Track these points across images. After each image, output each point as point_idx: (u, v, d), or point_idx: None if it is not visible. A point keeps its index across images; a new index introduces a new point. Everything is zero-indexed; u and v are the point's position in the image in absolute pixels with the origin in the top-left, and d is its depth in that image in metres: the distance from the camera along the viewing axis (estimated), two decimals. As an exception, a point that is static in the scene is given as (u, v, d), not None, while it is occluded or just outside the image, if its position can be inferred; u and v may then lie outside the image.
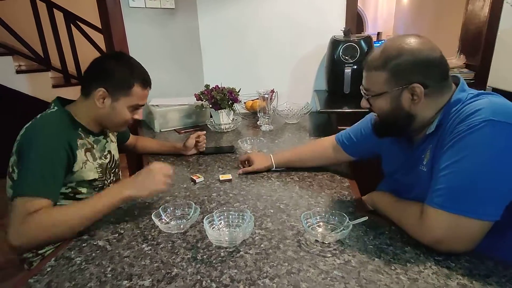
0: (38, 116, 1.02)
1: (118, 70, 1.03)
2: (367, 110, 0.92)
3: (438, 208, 0.72)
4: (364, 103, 0.89)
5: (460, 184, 0.71)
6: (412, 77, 0.78)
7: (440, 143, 0.78)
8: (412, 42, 0.79)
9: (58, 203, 1.01)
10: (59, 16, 3.31)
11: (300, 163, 1.23)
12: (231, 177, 1.18)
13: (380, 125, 0.90)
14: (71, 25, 3.39)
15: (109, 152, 1.17)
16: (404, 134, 0.90)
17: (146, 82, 1.08)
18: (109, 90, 1.02)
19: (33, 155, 0.91)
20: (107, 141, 1.17)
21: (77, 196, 1.05)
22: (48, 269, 0.75)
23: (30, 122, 1.00)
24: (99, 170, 1.10)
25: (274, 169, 1.22)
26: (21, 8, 3.35)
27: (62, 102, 1.07)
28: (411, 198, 0.87)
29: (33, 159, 0.90)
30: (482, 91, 0.81)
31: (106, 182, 1.15)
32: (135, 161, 1.92)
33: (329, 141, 1.19)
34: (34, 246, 0.88)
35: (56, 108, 1.04)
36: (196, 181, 1.16)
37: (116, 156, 1.25)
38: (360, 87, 0.89)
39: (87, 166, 1.05)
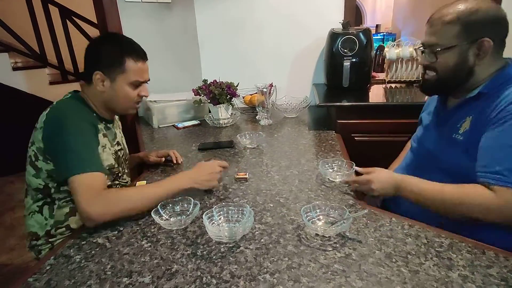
0: (55, 103, 1.02)
1: (107, 50, 1.03)
2: (425, 67, 0.93)
3: None
4: (425, 59, 0.92)
5: None
6: (483, 32, 0.83)
7: (485, 116, 0.82)
8: (480, 0, 0.84)
9: None
10: (54, 11, 3.28)
11: None
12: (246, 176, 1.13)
13: (437, 81, 0.92)
14: (67, 20, 3.36)
15: (118, 142, 1.18)
16: (455, 91, 0.93)
17: (137, 55, 1.05)
18: (104, 72, 1.02)
19: (68, 137, 0.93)
20: (115, 131, 1.18)
21: None
22: (48, 268, 0.75)
23: (49, 108, 1.00)
24: (114, 157, 1.11)
25: None
26: (16, 4, 3.31)
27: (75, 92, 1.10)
28: (441, 167, 0.89)
29: (71, 139, 0.93)
30: None
31: (121, 170, 1.16)
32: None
33: (409, 143, 1.22)
34: (108, 218, 0.87)
35: (70, 95, 1.07)
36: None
37: (126, 148, 1.27)
38: (416, 48, 0.92)
39: (106, 151, 1.07)
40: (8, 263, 1.98)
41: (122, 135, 1.28)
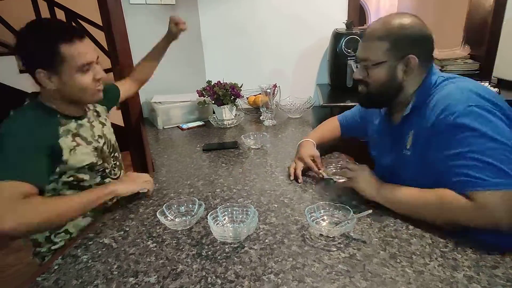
0: (11, 113, 0.95)
1: (36, 43, 0.91)
2: (358, 81, 0.96)
3: (489, 188, 0.72)
4: (358, 74, 0.94)
5: (487, 161, 0.73)
6: (410, 49, 0.86)
7: (422, 129, 0.85)
8: (410, 18, 0.88)
9: (62, 193, 0.99)
10: (60, 14, 3.32)
11: (328, 141, 1.31)
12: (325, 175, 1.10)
13: (368, 95, 0.95)
14: (73, 23, 3.39)
15: (100, 136, 1.10)
16: (387, 105, 0.98)
17: (70, 36, 0.92)
18: (45, 68, 0.92)
19: (6, 142, 0.87)
20: (92, 125, 1.09)
21: (81, 184, 1.02)
22: (56, 267, 0.76)
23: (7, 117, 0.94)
24: (95, 154, 1.05)
25: None
26: (22, 7, 3.36)
27: (35, 95, 1.02)
28: (399, 182, 0.89)
29: (7, 145, 0.86)
30: (450, 75, 0.90)
31: (107, 166, 1.10)
32: (139, 158, 1.93)
33: (336, 121, 1.34)
34: (20, 232, 0.80)
35: (27, 102, 1.00)
36: (139, 191, 1.03)
37: (113, 139, 1.19)
38: (351, 61, 0.95)
39: (79, 151, 1.00)
40: (16, 263, 2.01)
41: (108, 126, 1.20)
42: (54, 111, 1.00)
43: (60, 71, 0.93)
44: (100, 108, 1.21)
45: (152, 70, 1.50)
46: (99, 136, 1.10)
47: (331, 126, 1.33)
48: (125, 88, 1.41)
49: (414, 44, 0.86)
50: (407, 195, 0.86)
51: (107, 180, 1.10)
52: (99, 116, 1.18)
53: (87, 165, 1.02)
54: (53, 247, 1.05)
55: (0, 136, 0.88)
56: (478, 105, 0.77)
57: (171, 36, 1.43)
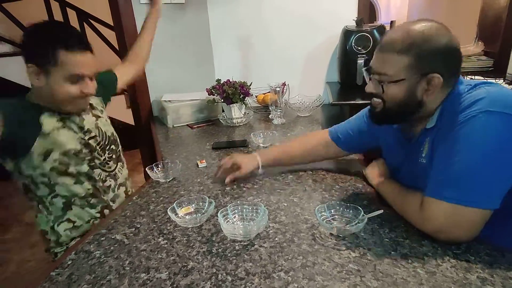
0: None
1: (38, 39, 0.91)
2: (371, 95, 0.85)
3: (437, 198, 0.73)
4: (372, 88, 0.83)
5: (457, 175, 0.71)
6: (434, 66, 0.75)
7: (440, 135, 0.78)
8: (434, 28, 0.75)
9: (52, 180, 1.00)
10: (72, 14, 3.37)
11: (288, 161, 1.16)
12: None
13: (383, 113, 0.84)
14: (84, 23, 3.44)
15: (89, 130, 1.08)
16: (404, 123, 0.89)
17: (72, 45, 0.91)
18: (38, 65, 0.91)
19: None
20: (82, 119, 1.07)
21: (69, 171, 1.02)
22: (69, 262, 0.78)
23: None
24: (82, 142, 1.04)
25: (260, 171, 1.13)
26: (35, 7, 3.42)
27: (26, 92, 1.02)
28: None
29: None
30: (478, 81, 0.80)
31: (98, 157, 1.09)
32: (149, 156, 1.95)
33: (321, 136, 1.14)
34: None
35: (16, 97, 0.99)
36: (199, 166, 1.25)
37: (109, 131, 1.17)
38: (365, 69, 0.85)
39: (62, 132, 0.99)
40: (31, 259, 2.06)
41: (104, 117, 1.18)
42: (38, 106, 0.97)
43: (50, 73, 0.92)
44: (94, 100, 1.17)
45: (148, 46, 1.45)
46: (88, 130, 1.08)
47: (306, 142, 1.15)
48: (122, 71, 1.35)
49: (439, 59, 0.75)
50: (389, 191, 0.91)
51: (96, 170, 1.08)
52: (94, 108, 1.15)
53: (71, 149, 1.01)
54: (60, 240, 1.08)
55: None
56: (499, 111, 0.69)
57: (152, 7, 1.42)
